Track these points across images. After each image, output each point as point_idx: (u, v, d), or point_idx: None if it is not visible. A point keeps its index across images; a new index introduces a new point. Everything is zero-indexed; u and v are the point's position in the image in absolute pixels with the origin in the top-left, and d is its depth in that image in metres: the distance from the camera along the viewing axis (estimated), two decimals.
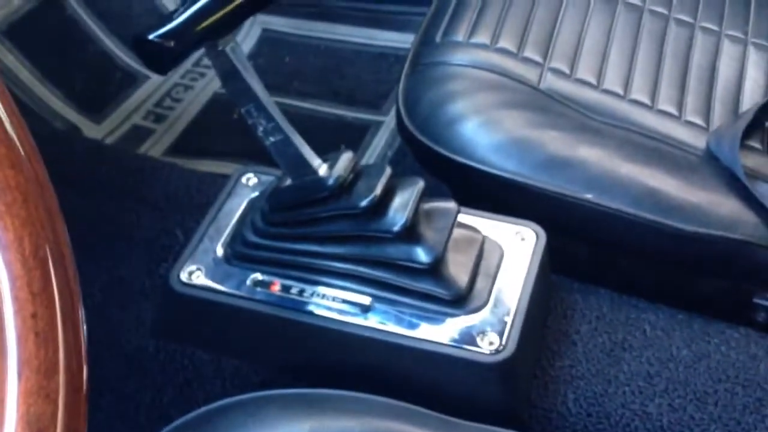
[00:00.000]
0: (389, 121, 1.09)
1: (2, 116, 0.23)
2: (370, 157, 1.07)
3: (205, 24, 0.44)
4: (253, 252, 0.58)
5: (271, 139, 0.52)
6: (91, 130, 1.08)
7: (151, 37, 0.43)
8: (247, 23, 1.24)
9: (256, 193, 0.62)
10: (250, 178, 0.64)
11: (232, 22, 0.46)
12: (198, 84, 1.16)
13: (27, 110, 1.04)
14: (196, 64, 1.18)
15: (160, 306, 0.61)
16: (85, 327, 0.24)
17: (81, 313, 0.24)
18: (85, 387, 0.23)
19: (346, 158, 0.54)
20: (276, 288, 0.57)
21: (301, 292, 0.56)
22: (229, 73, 0.49)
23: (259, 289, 0.57)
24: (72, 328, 0.23)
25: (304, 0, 1.21)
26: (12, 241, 0.23)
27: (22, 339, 0.22)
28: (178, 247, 0.66)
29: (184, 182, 0.75)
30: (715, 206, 0.63)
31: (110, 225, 0.69)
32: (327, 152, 1.08)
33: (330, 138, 1.10)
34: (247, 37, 1.24)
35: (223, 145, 1.07)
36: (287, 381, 0.58)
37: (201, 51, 0.48)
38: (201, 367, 0.60)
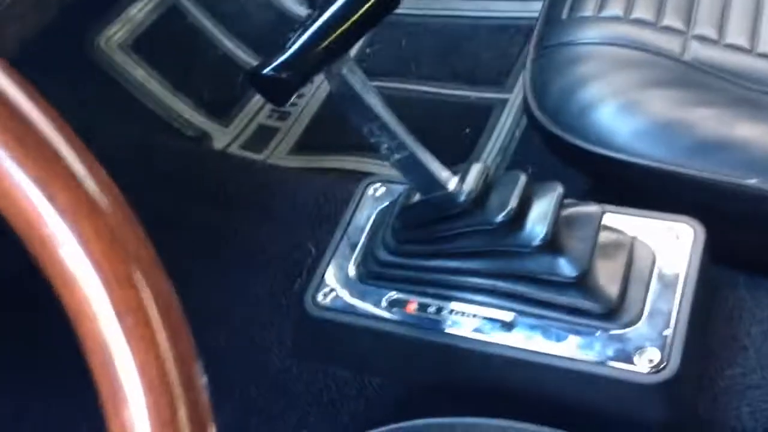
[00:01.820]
0: (514, 98, 1.04)
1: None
2: (497, 138, 1.02)
3: (317, 52, 0.42)
4: (386, 270, 0.56)
5: (396, 156, 0.49)
6: (220, 134, 1.10)
7: (265, 71, 0.42)
8: None
9: (385, 204, 0.60)
10: (377, 189, 0.62)
11: (344, 47, 0.43)
12: (317, 78, 1.15)
13: (160, 122, 1.07)
14: None
15: (298, 328, 0.60)
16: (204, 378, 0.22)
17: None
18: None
19: (476, 170, 0.51)
20: (413, 307, 0.55)
21: (439, 311, 0.54)
22: (346, 96, 0.46)
23: (395, 308, 0.55)
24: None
25: None
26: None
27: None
28: (310, 261, 0.65)
29: (311, 192, 0.74)
30: None
31: (243, 240, 0.70)
32: (454, 135, 1.05)
33: (454, 120, 1.06)
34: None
35: (347, 138, 1.05)
36: (430, 400, 0.56)
37: None
38: (344, 387, 0.59)
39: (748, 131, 0.58)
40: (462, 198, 0.50)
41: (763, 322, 0.55)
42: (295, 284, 0.65)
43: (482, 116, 1.05)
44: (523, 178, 0.51)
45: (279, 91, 0.43)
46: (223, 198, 0.76)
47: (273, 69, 0.42)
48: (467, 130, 1.04)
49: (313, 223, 0.70)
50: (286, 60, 0.42)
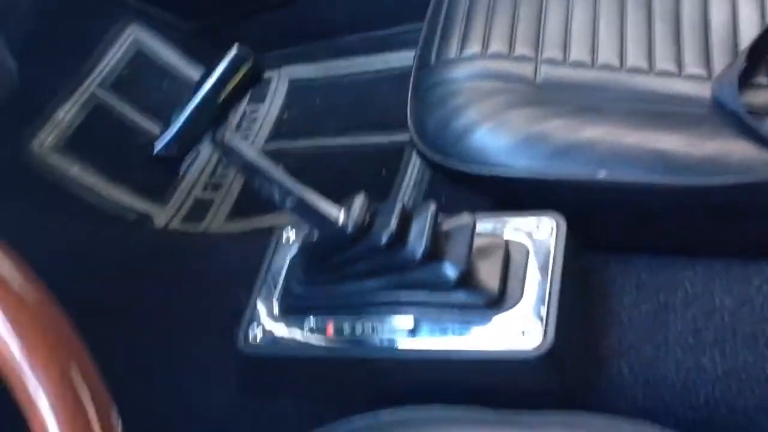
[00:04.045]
0: None
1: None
2: (411, 175, 1.12)
3: (197, 125, 0.50)
4: (302, 302, 0.63)
5: (288, 203, 0.58)
6: (160, 213, 1.17)
7: (157, 151, 0.50)
8: (275, 80, 1.31)
9: (296, 247, 0.68)
10: (289, 236, 0.70)
11: (220, 117, 0.52)
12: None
13: (101, 213, 1.14)
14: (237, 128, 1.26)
15: (236, 367, 0.67)
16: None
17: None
18: None
19: (359, 202, 0.59)
20: (331, 330, 0.62)
21: (352, 330, 0.61)
22: (232, 157, 0.55)
23: (316, 334, 0.62)
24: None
25: (317, 43, 1.27)
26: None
27: None
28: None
29: (242, 249, 0.81)
30: (726, 155, 0.64)
31: (184, 306, 0.77)
32: (373, 177, 1.13)
33: (372, 164, 1.16)
34: (277, 92, 1.31)
35: None
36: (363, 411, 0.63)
37: None
38: (285, 416, 0.66)
39: (593, 133, 0.68)
40: (350, 229, 0.58)
41: (631, 292, 0.64)
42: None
43: (395, 158, 1.14)
44: (399, 205, 0.59)
45: (172, 163, 0.51)
46: (161, 271, 0.83)
47: (163, 147, 0.50)
48: (383, 172, 1.13)
49: (248, 275, 0.77)
50: (173, 138, 0.50)
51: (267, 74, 1.32)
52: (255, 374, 0.66)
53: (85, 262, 0.84)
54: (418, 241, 0.58)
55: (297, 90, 1.30)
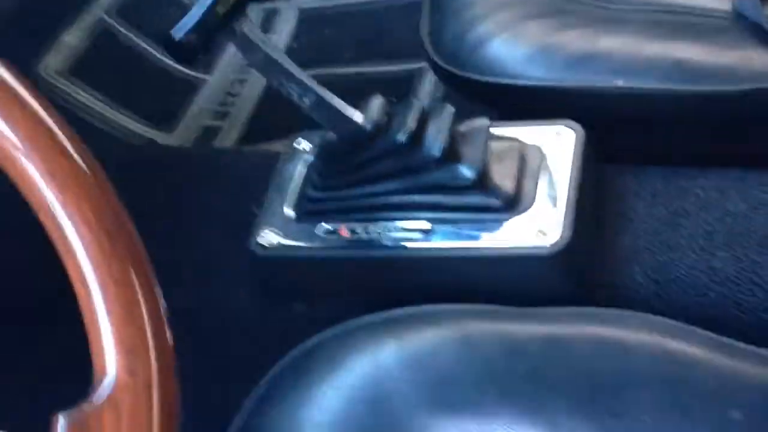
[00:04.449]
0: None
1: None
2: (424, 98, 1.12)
3: (217, 15, 0.50)
4: (317, 206, 0.64)
5: (307, 102, 0.57)
6: (166, 140, 1.17)
7: (176, 37, 0.50)
8: (284, 9, 1.30)
9: (309, 156, 0.68)
10: (303, 144, 0.70)
11: (240, 7, 0.51)
12: (251, 77, 1.23)
13: (109, 136, 1.14)
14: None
15: (251, 271, 0.68)
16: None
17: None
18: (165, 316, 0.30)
19: (377, 102, 0.59)
20: (345, 233, 0.63)
21: (366, 232, 0.62)
22: (251, 52, 0.54)
23: (330, 237, 0.63)
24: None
25: None
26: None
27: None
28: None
29: (252, 164, 0.82)
30: (747, 62, 0.64)
31: (194, 216, 0.77)
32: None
33: (382, 94, 1.15)
34: (286, 21, 1.30)
35: (285, 125, 1.14)
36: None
37: None
38: (297, 319, 0.67)
39: (610, 42, 0.68)
40: (369, 126, 0.58)
41: (646, 198, 0.64)
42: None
43: (405, 86, 1.14)
44: (417, 103, 0.59)
45: (188, 52, 0.51)
46: (170, 183, 0.83)
47: (183, 34, 0.50)
48: (394, 100, 1.13)
49: (261, 189, 0.77)
50: (193, 25, 0.50)
51: (276, 4, 1.31)
52: (270, 277, 0.66)
53: None
54: (435, 141, 0.58)
55: (306, 19, 1.29)
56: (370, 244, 0.61)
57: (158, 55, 1.26)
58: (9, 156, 0.30)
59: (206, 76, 1.26)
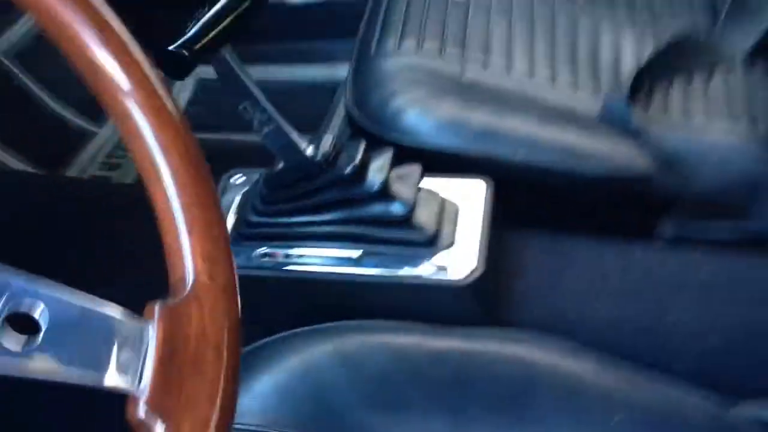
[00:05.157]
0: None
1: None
2: None
3: (212, 35, 0.56)
4: (256, 230, 0.69)
5: (266, 129, 0.64)
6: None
7: (170, 47, 0.55)
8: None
9: (246, 188, 0.74)
10: (239, 177, 0.75)
11: (230, 36, 0.58)
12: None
13: None
14: None
15: None
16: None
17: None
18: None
19: (328, 138, 0.66)
20: (279, 256, 0.68)
21: (301, 256, 0.68)
22: (228, 75, 0.61)
23: (264, 260, 0.68)
24: None
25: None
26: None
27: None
28: None
29: None
30: (611, 152, 0.79)
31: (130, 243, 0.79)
32: None
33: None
34: (183, 87, 1.35)
35: None
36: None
37: None
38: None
39: (511, 122, 0.80)
40: (319, 158, 0.65)
41: (537, 253, 0.76)
42: None
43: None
44: (363, 143, 0.67)
45: (178, 66, 0.56)
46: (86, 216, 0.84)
47: (176, 47, 0.55)
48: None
49: None
50: (186, 40, 0.55)
51: None
52: None
53: None
54: (376, 176, 0.66)
55: (205, 89, 1.34)
56: (304, 267, 0.67)
57: (52, 103, 1.26)
58: (115, 91, 0.35)
59: (98, 129, 1.28)
